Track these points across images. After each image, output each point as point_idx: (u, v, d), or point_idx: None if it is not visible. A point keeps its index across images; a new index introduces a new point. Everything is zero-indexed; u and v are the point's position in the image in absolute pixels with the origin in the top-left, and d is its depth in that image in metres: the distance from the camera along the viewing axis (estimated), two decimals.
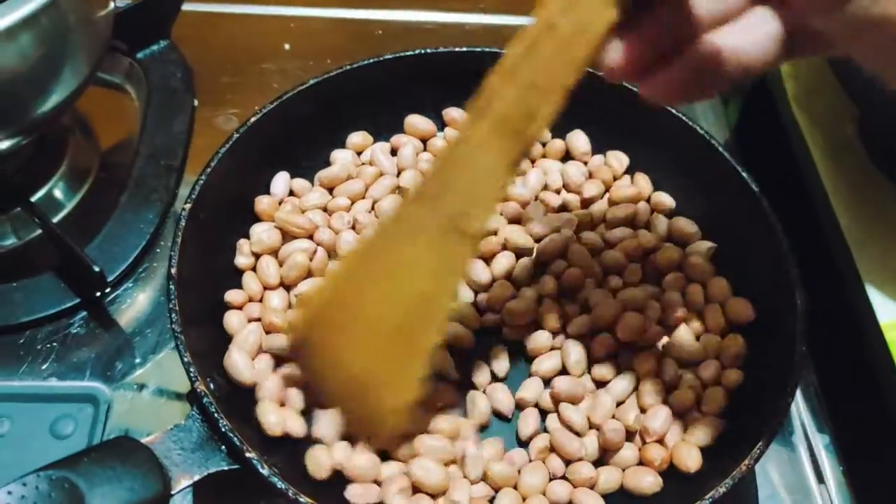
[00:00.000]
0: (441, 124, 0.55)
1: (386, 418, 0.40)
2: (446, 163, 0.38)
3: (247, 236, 0.49)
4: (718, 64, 0.31)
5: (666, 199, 0.51)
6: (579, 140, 0.54)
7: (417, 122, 0.54)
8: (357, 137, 0.53)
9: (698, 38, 0.31)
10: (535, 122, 0.35)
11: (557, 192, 0.52)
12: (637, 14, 0.31)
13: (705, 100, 0.63)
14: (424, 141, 0.54)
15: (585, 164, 0.53)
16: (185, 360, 0.40)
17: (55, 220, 0.55)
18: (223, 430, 0.38)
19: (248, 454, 0.38)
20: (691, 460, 0.41)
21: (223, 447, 0.39)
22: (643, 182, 0.52)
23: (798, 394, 0.51)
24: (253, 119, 0.49)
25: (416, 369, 0.39)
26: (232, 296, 0.47)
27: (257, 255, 0.48)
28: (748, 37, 0.31)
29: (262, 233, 0.48)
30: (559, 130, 0.54)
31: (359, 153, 0.53)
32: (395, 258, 0.39)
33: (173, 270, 0.43)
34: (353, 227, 0.49)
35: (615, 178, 0.53)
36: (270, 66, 0.65)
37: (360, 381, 0.40)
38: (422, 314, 0.39)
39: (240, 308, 0.47)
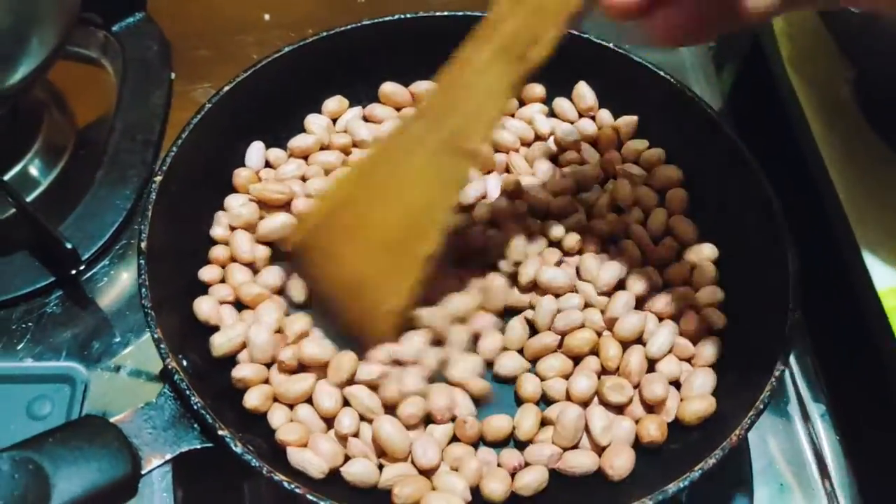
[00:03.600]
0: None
1: (379, 321, 0.42)
2: (449, 84, 0.39)
3: (223, 209, 0.47)
4: (722, 6, 0.31)
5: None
6: (585, 93, 0.52)
7: (393, 90, 0.52)
8: (333, 103, 0.51)
9: None
10: (538, 46, 0.37)
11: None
12: None
13: (699, 44, 0.62)
14: (399, 109, 0.52)
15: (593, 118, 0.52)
16: (156, 336, 0.39)
17: (31, 197, 0.54)
18: (195, 407, 0.37)
19: (220, 432, 0.36)
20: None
21: (196, 425, 0.37)
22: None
23: (794, 363, 0.50)
24: (226, 88, 0.47)
25: (409, 277, 0.41)
26: (206, 273, 0.45)
27: (233, 228, 0.47)
28: None
29: (239, 206, 0.46)
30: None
31: (334, 120, 0.51)
32: (395, 171, 0.41)
33: (143, 245, 0.41)
34: None
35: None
36: (249, 38, 0.63)
37: (356, 285, 0.42)
38: (418, 225, 0.41)
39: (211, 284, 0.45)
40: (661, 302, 0.44)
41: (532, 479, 0.39)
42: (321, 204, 0.44)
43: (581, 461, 0.40)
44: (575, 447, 0.40)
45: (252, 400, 0.40)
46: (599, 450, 0.40)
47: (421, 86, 0.52)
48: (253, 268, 0.46)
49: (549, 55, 0.37)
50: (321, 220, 0.43)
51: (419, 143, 0.40)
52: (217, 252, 0.46)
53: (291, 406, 0.41)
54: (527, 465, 0.40)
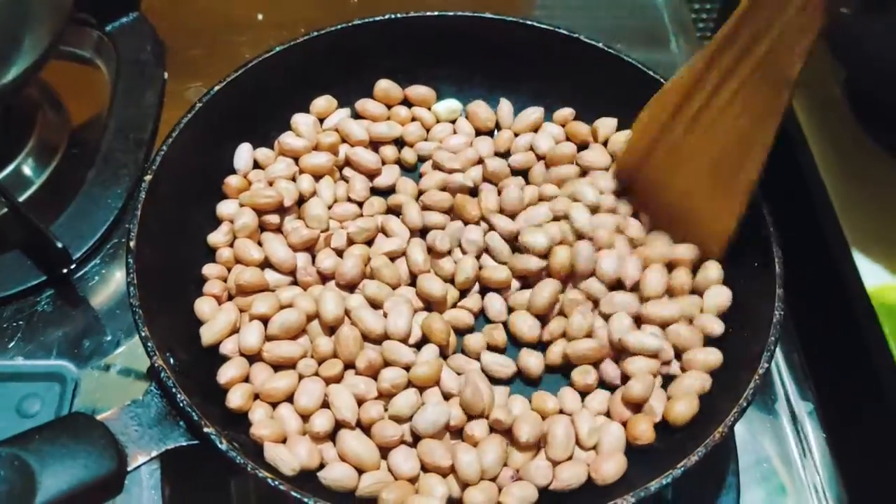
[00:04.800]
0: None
1: (709, 241, 0.45)
2: (752, 14, 0.39)
3: (213, 209, 0.47)
4: None
5: None
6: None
7: (388, 86, 0.52)
8: (321, 102, 0.51)
9: None
10: None
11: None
12: None
13: None
14: (389, 106, 0.52)
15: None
16: (143, 334, 0.39)
17: (23, 196, 0.54)
18: (181, 404, 0.37)
19: (206, 429, 0.37)
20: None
21: (182, 423, 0.38)
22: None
23: (781, 361, 0.50)
24: (217, 87, 0.48)
25: (734, 202, 0.43)
26: (208, 270, 0.45)
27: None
28: None
29: (245, 219, 0.46)
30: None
31: (321, 119, 0.51)
32: (712, 98, 0.42)
33: (132, 244, 0.42)
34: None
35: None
36: (243, 38, 0.63)
37: (682, 206, 0.45)
38: (737, 152, 0.42)
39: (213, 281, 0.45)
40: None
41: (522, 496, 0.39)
42: (639, 129, 0.46)
43: (574, 474, 0.39)
44: (569, 459, 0.40)
45: (235, 400, 0.40)
46: (588, 454, 0.40)
47: (417, 90, 0.52)
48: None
49: None
50: (642, 144, 0.46)
51: (730, 72, 0.41)
52: (222, 255, 0.46)
53: (274, 406, 0.41)
54: (519, 479, 0.39)
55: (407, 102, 0.53)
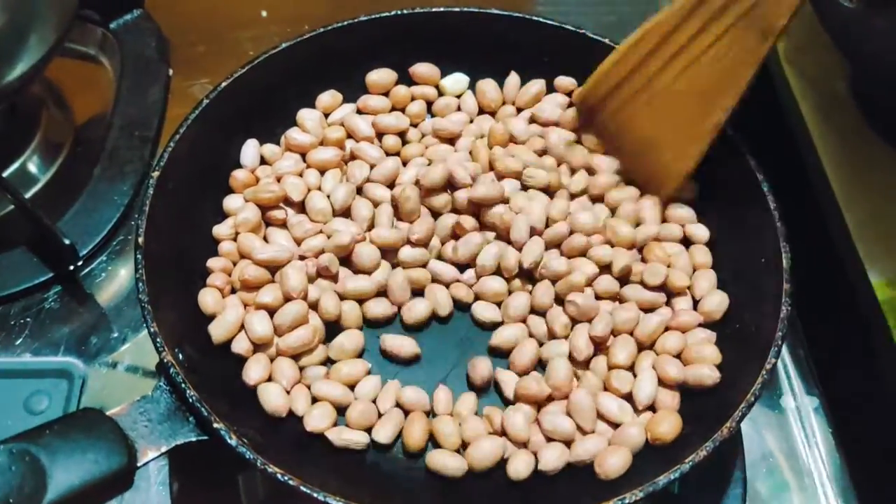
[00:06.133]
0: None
1: (668, 179, 0.46)
2: None
3: (219, 205, 0.47)
4: None
5: None
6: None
7: (378, 76, 0.52)
8: (326, 97, 0.51)
9: None
10: None
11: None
12: None
13: None
14: (386, 94, 0.52)
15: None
16: (152, 330, 0.39)
17: (29, 193, 0.54)
18: (191, 400, 0.37)
19: (216, 424, 0.37)
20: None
21: (191, 418, 0.38)
22: None
23: (787, 356, 0.50)
24: (223, 84, 0.48)
25: (698, 143, 0.44)
26: (213, 263, 0.45)
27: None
28: None
29: (246, 213, 0.46)
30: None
31: (327, 114, 0.51)
32: (688, 42, 0.43)
33: (140, 240, 0.42)
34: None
35: None
36: (247, 34, 0.64)
37: (648, 145, 0.46)
38: (710, 95, 0.43)
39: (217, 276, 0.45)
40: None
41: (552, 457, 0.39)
42: (611, 61, 0.46)
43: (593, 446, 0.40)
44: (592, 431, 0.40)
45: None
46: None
47: (420, 68, 0.52)
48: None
49: None
50: (612, 75, 0.46)
51: (717, 15, 0.42)
52: (224, 247, 0.46)
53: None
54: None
55: (405, 81, 0.53)
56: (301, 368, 0.43)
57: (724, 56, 0.43)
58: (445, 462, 0.40)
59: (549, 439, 0.40)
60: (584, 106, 0.49)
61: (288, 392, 0.41)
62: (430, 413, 0.42)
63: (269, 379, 0.42)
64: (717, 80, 0.43)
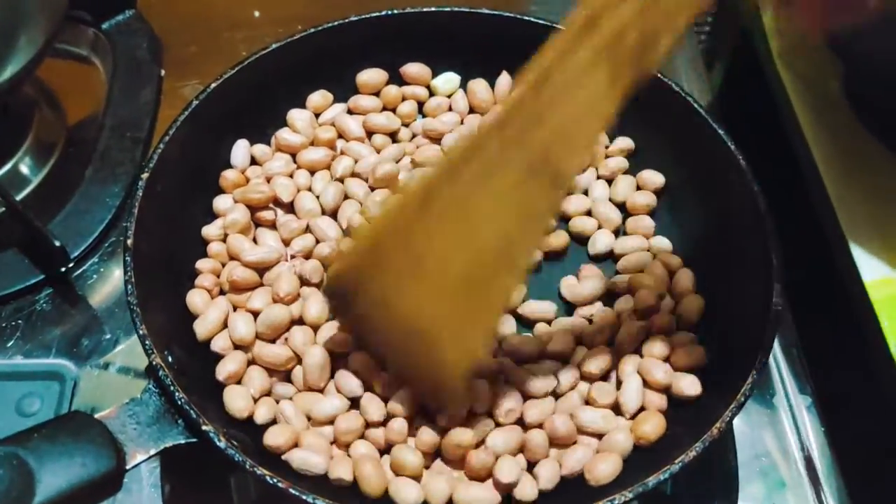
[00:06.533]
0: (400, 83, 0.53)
1: (447, 377, 0.35)
2: (537, 89, 0.31)
3: (209, 206, 0.47)
4: None
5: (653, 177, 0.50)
6: None
7: (369, 76, 0.52)
8: (317, 97, 0.51)
9: None
10: (653, 50, 0.30)
11: None
12: None
13: None
14: (377, 93, 0.52)
15: None
16: (141, 332, 0.39)
17: (21, 195, 0.54)
18: (179, 402, 0.37)
19: (204, 427, 0.37)
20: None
21: (180, 421, 0.38)
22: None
23: (780, 355, 0.50)
24: (213, 85, 0.48)
25: (484, 326, 0.35)
26: (202, 265, 0.45)
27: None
28: None
29: (235, 214, 0.46)
30: None
31: (317, 115, 0.51)
32: (467, 197, 0.33)
33: (129, 242, 0.42)
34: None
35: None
36: (240, 35, 0.63)
37: (418, 334, 0.34)
38: (498, 264, 0.34)
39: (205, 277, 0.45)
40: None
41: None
42: (368, 235, 0.36)
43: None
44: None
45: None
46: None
47: (411, 68, 0.52)
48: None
49: (666, 59, 0.31)
50: (369, 255, 0.35)
51: (498, 162, 0.32)
52: (213, 248, 0.46)
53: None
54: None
55: (396, 81, 0.52)
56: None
57: (510, 209, 0.33)
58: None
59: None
60: (334, 295, 0.38)
61: (255, 400, 0.41)
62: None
63: (240, 381, 0.42)
64: (502, 240, 0.33)
